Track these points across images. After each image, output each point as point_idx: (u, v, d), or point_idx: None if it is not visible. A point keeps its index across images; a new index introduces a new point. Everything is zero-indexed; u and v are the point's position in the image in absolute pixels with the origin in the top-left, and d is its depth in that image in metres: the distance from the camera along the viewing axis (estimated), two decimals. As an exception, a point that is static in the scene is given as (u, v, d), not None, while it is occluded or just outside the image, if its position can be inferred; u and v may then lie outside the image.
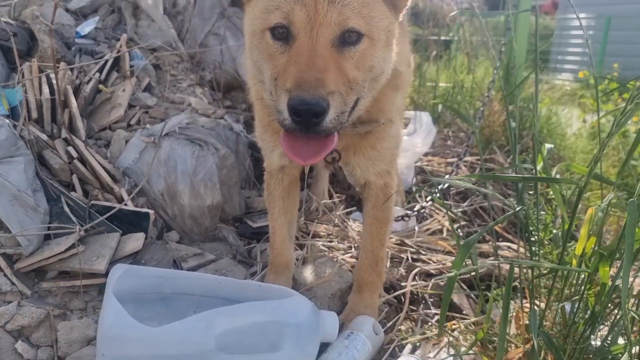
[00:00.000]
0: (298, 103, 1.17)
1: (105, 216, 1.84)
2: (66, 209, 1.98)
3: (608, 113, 1.53)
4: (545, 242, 1.61)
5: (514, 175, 1.25)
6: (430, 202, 2.61)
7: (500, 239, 2.50)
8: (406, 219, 2.49)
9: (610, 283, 1.27)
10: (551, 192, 1.57)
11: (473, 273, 1.98)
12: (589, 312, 1.41)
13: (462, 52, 4.30)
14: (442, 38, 4.37)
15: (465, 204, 2.80)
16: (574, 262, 1.41)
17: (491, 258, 2.23)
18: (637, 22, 11.15)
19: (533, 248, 1.55)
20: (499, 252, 2.36)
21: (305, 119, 1.20)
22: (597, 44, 13.60)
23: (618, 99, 5.00)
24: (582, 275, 1.48)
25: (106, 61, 2.63)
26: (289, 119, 1.22)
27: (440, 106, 3.84)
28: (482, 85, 3.86)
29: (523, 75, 4.03)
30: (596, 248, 1.38)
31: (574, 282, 1.53)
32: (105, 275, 1.80)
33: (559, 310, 1.53)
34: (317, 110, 1.18)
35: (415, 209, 2.59)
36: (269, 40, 1.33)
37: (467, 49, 4.13)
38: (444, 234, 2.53)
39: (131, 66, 2.71)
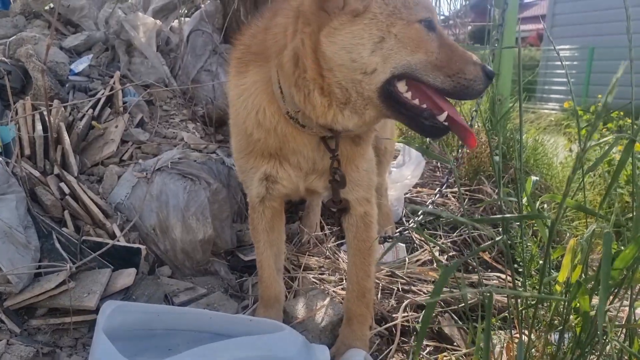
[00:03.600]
0: (491, 71, 1.55)
1: (97, 253, 1.85)
2: (57, 245, 1.99)
3: (591, 147, 1.57)
4: (533, 272, 1.64)
5: (498, 216, 1.28)
6: (412, 225, 2.64)
7: (489, 270, 2.52)
8: (389, 240, 2.50)
9: (592, 312, 1.29)
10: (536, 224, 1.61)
11: (462, 304, 2.00)
12: (574, 341, 1.42)
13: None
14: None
15: (454, 234, 2.83)
16: (558, 289, 1.43)
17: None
18: (619, 52, 11.49)
19: (519, 278, 1.57)
20: (490, 282, 2.38)
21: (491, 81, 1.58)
22: (583, 74, 13.94)
23: (602, 129, 5.10)
24: (567, 305, 1.50)
25: (99, 98, 2.67)
26: (484, 81, 1.54)
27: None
28: (469, 117, 3.93)
29: (509, 107, 4.12)
30: (582, 278, 1.41)
31: (562, 310, 1.55)
32: (96, 311, 1.80)
33: (547, 340, 1.54)
34: None
35: (398, 230, 2.61)
36: (421, 30, 1.52)
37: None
38: (434, 265, 2.54)
39: (124, 102, 2.75)
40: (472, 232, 2.84)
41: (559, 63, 14.99)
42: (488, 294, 1.18)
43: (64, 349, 1.79)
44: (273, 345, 1.55)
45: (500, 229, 2.90)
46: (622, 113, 5.01)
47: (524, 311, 1.63)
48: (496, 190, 3.23)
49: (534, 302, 1.57)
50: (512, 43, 4.25)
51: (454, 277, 2.31)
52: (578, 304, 1.45)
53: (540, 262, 1.61)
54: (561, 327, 1.36)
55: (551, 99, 14.72)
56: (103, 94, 2.63)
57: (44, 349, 1.72)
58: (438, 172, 3.67)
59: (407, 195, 3.23)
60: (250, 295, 2.19)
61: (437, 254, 2.63)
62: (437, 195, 2.83)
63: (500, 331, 1.90)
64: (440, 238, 2.81)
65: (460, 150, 2.61)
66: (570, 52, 14.84)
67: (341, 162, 1.72)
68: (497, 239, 1.28)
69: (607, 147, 1.69)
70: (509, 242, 1.43)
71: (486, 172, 3.38)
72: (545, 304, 1.49)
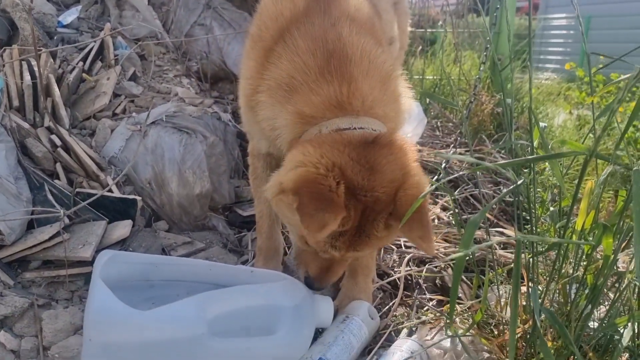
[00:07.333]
0: (312, 287, 1.56)
1: (90, 200, 1.78)
2: (50, 197, 1.92)
3: (604, 110, 1.48)
4: (542, 220, 1.59)
5: (517, 159, 1.22)
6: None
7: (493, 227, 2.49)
8: None
9: (612, 257, 1.25)
10: (546, 170, 1.56)
11: (468, 257, 1.96)
12: (588, 289, 1.39)
13: (449, 44, 4.32)
14: (429, 30, 4.40)
15: (455, 192, 2.79)
16: (574, 237, 1.39)
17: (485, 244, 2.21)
18: (616, 21, 11.32)
19: (529, 226, 1.53)
20: (494, 237, 2.34)
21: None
22: (578, 44, 13.80)
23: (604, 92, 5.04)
24: (580, 253, 1.46)
25: (90, 50, 2.56)
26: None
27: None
28: (468, 76, 3.87)
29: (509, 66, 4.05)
30: (595, 223, 1.36)
31: (572, 260, 1.51)
32: (92, 263, 1.74)
33: (559, 290, 1.51)
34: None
35: None
36: None
37: (454, 40, 4.13)
38: (436, 222, 2.50)
39: (115, 55, 2.65)
40: (474, 191, 2.80)
41: (555, 32, 14.83)
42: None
43: (60, 301, 1.74)
44: (277, 294, 1.52)
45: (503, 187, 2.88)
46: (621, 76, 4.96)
47: (531, 259, 1.59)
48: (497, 149, 3.18)
49: (545, 249, 1.53)
50: (513, 9, 4.17)
51: (457, 234, 2.29)
52: (590, 250, 1.41)
53: (551, 208, 1.57)
54: (579, 274, 1.32)
55: (547, 69, 14.63)
56: (94, 44, 2.51)
57: (39, 301, 1.67)
58: (438, 132, 3.61)
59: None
60: (249, 250, 2.14)
61: (437, 211, 2.59)
62: (451, 151, 2.71)
63: (507, 284, 1.87)
64: (441, 196, 2.76)
65: (470, 102, 2.53)
66: (566, 20, 14.68)
67: None
68: (519, 182, 1.21)
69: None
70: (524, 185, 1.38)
71: (487, 131, 3.32)
72: (559, 252, 1.44)
